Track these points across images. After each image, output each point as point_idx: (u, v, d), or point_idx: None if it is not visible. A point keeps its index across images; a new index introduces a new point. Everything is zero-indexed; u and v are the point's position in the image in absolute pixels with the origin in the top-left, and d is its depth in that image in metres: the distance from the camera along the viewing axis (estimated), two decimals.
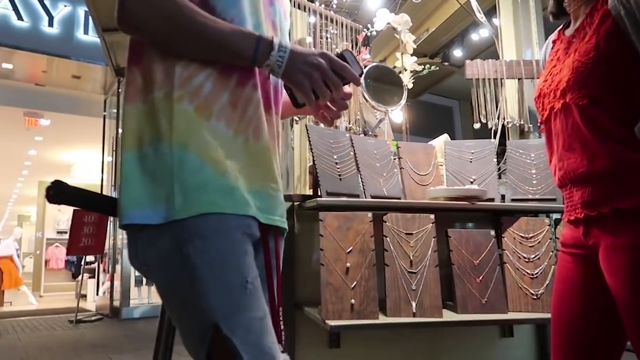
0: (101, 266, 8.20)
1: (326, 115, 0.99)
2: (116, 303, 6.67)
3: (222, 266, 0.78)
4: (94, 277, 8.88)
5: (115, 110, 7.49)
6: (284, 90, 0.99)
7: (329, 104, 0.96)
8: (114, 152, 7.46)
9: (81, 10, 7.09)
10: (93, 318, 6.48)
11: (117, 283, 6.79)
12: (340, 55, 0.89)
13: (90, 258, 8.63)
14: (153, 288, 7.30)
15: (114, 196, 0.88)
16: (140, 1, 0.81)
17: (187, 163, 0.79)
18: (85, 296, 8.75)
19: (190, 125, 0.81)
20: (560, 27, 1.24)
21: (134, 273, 6.92)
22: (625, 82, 0.98)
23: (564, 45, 1.15)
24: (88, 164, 10.35)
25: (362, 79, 2.26)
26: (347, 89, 0.95)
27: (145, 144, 0.82)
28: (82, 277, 7.23)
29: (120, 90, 7.28)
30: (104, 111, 8.14)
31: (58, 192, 0.84)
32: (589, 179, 1.04)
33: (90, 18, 5.72)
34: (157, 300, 7.08)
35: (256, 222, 0.85)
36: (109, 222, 6.83)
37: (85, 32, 7.12)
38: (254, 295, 0.80)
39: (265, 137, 0.90)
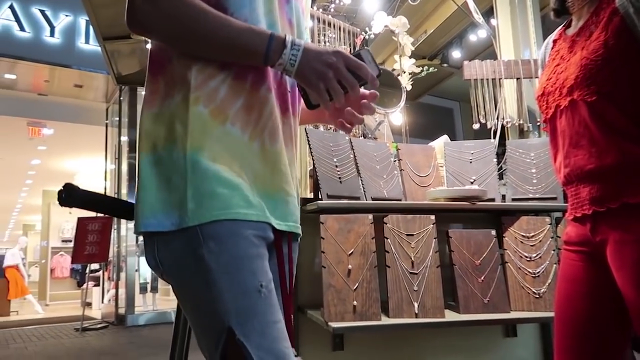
0: (106, 274, 8.23)
1: (345, 123, 0.96)
2: (121, 310, 6.69)
3: (237, 269, 0.78)
4: (98, 285, 8.90)
5: (117, 119, 7.53)
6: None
7: (349, 109, 0.93)
8: (117, 160, 7.50)
9: (82, 20, 7.15)
10: (99, 326, 6.50)
11: (121, 290, 6.82)
12: (357, 55, 0.86)
13: (94, 266, 8.66)
14: (158, 295, 7.32)
15: (123, 199, 0.89)
16: (148, 1, 0.80)
17: (201, 169, 0.79)
18: (90, 304, 8.77)
19: (205, 129, 0.81)
20: (561, 26, 1.24)
21: (138, 280, 6.95)
22: (635, 78, 0.99)
23: (567, 44, 1.15)
24: (91, 172, 10.40)
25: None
26: (367, 90, 0.90)
27: (159, 147, 0.82)
28: (87, 285, 7.25)
29: (121, 98, 7.33)
30: (106, 119, 8.19)
31: (69, 195, 0.86)
32: (597, 176, 1.04)
33: (91, 27, 5.77)
34: (162, 307, 7.09)
35: (270, 226, 0.84)
36: (112, 230, 6.85)
37: (87, 41, 7.18)
38: (268, 300, 0.79)
39: (281, 141, 0.89)
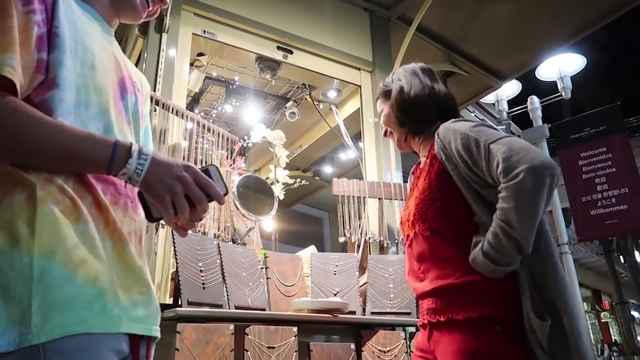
0: None
1: (178, 225, 0.90)
2: None
3: None
4: None
5: None
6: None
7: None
8: None
9: None
10: None
11: None
12: (206, 171, 0.84)
13: None
14: None
15: None
16: None
17: (52, 275, 0.68)
18: None
19: (56, 230, 0.71)
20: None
21: None
22: (456, 215, 1.15)
23: (414, 180, 1.33)
24: None
25: (234, 188, 2.30)
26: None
27: None
28: None
29: None
30: None
31: None
32: (433, 293, 1.17)
33: None
34: None
35: (126, 336, 0.76)
36: None
37: None
38: None
39: (130, 241, 0.83)
